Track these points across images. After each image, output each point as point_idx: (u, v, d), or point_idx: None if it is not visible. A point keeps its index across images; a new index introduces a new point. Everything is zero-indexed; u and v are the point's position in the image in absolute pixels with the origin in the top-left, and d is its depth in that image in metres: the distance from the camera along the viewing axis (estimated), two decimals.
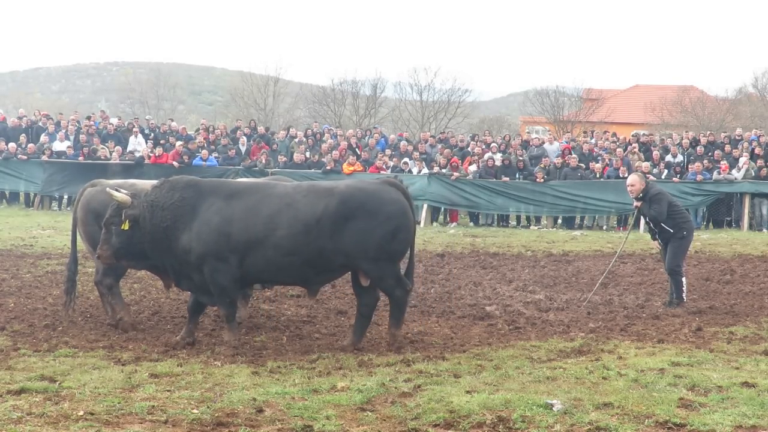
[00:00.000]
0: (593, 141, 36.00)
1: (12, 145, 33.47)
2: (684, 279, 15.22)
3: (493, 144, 35.25)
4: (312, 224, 11.14)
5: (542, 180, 30.84)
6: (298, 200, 11.30)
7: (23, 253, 20.01)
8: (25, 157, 33.01)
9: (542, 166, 31.53)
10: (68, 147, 33.78)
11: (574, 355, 11.18)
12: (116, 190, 11.75)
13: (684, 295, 15.03)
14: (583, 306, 14.72)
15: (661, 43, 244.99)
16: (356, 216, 11.21)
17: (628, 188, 15.33)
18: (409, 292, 11.90)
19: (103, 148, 33.32)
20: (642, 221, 20.57)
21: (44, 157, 33.00)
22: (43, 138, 34.51)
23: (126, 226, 11.56)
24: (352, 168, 31.69)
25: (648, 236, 18.74)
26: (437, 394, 9.02)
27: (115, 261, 12.06)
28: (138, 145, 34.80)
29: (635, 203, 15.32)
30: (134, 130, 36.01)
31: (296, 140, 35.56)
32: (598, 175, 31.18)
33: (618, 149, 32.77)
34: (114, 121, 38.26)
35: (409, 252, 11.96)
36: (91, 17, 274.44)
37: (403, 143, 34.94)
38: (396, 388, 9.29)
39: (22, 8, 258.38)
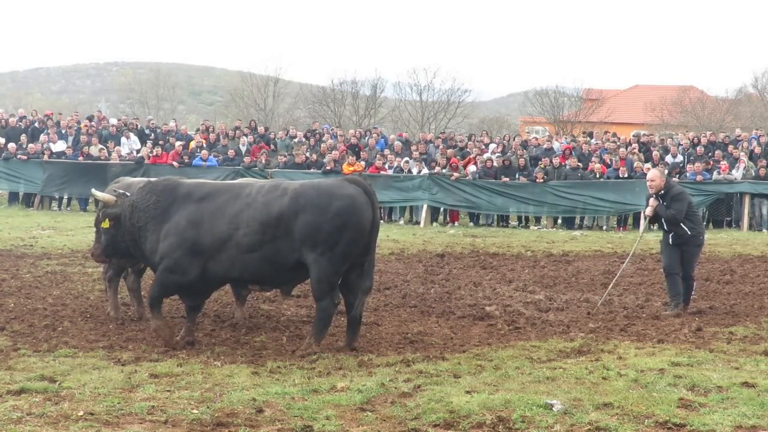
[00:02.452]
0: (593, 141, 36.03)
1: (12, 145, 33.48)
2: (694, 283, 15.04)
3: (491, 144, 35.29)
4: (268, 223, 11.15)
5: (542, 180, 30.84)
6: (258, 200, 11.32)
7: (23, 254, 20.00)
8: (25, 158, 33.02)
9: (542, 166, 31.53)
10: (67, 147, 33.77)
11: (573, 355, 11.18)
12: (102, 191, 12.12)
13: (690, 299, 14.77)
14: (594, 310, 14.54)
15: (661, 44, 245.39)
16: (306, 211, 11.10)
17: (648, 183, 14.81)
18: (337, 306, 11.53)
19: (102, 149, 33.34)
20: (642, 221, 20.55)
21: (44, 158, 33.01)
22: (43, 138, 34.52)
23: (106, 225, 12.05)
24: (351, 168, 31.69)
25: (647, 236, 18.69)
26: (437, 394, 9.01)
27: (106, 259, 12.74)
28: (134, 144, 34.81)
29: (651, 201, 14.66)
30: (125, 132, 35.97)
31: (296, 140, 35.56)
32: (597, 176, 31.18)
33: (621, 149, 32.78)
34: (114, 121, 38.23)
35: (368, 253, 11.59)
36: (90, 17, 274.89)
37: (397, 143, 34.89)
38: (396, 388, 9.29)
39: (22, 8, 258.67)
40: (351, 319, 11.65)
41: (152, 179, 12.43)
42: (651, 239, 22.07)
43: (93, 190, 12.97)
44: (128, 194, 12.05)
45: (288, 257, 11.26)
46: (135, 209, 11.76)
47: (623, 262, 16.75)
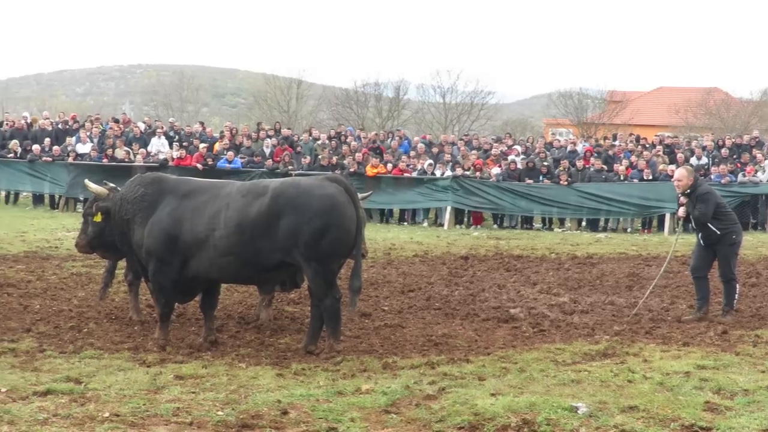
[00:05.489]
0: (617, 143, 35.94)
1: (36, 147, 33.64)
2: (738, 285, 14.64)
3: (515, 146, 35.24)
4: (245, 225, 11.08)
5: (566, 182, 30.75)
6: (237, 200, 11.25)
7: (48, 255, 20.08)
8: (50, 159, 33.15)
9: (562, 168, 31.41)
10: (92, 149, 33.88)
11: (599, 358, 11.13)
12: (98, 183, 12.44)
13: (735, 302, 14.41)
14: (631, 315, 14.33)
15: (685, 45, 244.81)
16: (286, 213, 10.98)
17: (675, 183, 14.57)
18: (340, 300, 11.34)
19: (126, 151, 33.47)
20: (668, 222, 20.56)
21: (69, 159, 33.14)
22: (68, 140, 34.66)
23: (98, 219, 12.52)
24: (375, 170, 31.70)
25: (671, 238, 18.54)
26: (462, 396, 8.99)
27: (90, 250, 13.19)
28: (161, 146, 34.90)
29: (680, 199, 14.39)
30: (158, 131, 36.17)
31: (319, 142, 35.58)
32: (622, 178, 31.06)
33: (645, 152, 32.67)
34: (140, 124, 38.38)
35: (355, 252, 11.44)
36: (114, 20, 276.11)
37: (420, 145, 34.89)
38: (420, 390, 9.27)
39: (47, 11, 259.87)
40: (313, 319, 11.67)
41: (143, 174, 12.51)
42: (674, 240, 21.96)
43: (86, 181, 13.17)
44: (119, 188, 12.23)
45: (269, 258, 11.19)
46: (124, 202, 11.89)
47: (644, 263, 16.62)
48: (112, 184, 12.62)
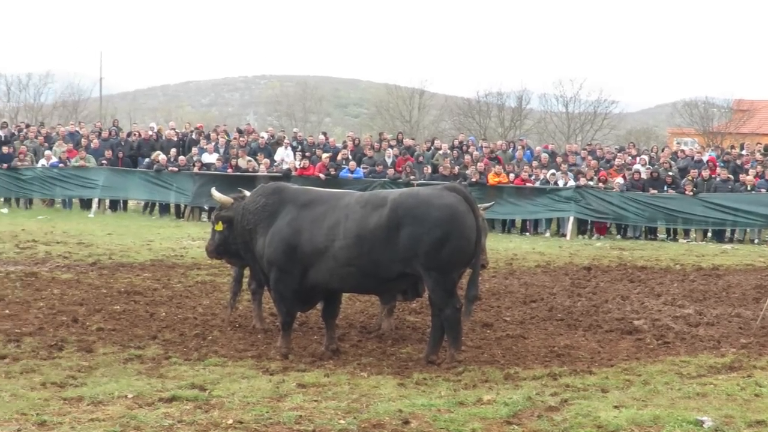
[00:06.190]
0: (744, 153, 35.29)
1: (162, 157, 34.24)
2: None
3: (639, 156, 34.83)
4: (365, 236, 11.08)
5: (691, 192, 30.27)
6: (356, 211, 11.26)
7: (174, 264, 20.40)
8: (176, 169, 33.73)
9: (690, 178, 30.93)
10: (217, 159, 34.37)
11: (725, 371, 10.93)
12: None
13: None
14: (756, 326, 14.05)
15: None
16: (406, 223, 10.95)
17: None
18: (460, 310, 11.22)
19: (250, 161, 33.88)
20: None
21: (194, 169, 33.70)
22: (194, 150, 35.24)
23: (219, 227, 12.71)
24: (497, 179, 31.62)
25: None
26: (584, 408, 8.91)
27: (217, 256, 13.28)
28: (286, 156, 35.23)
29: None
30: (285, 141, 36.57)
31: (440, 152, 35.58)
32: (749, 188, 30.48)
33: None
34: (264, 134, 38.83)
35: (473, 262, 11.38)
36: (239, 32, 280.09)
37: (543, 155, 34.70)
38: (542, 402, 9.21)
39: (174, 25, 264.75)
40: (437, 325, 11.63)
41: (265, 185, 12.63)
42: None
43: (213, 190, 13.36)
44: (244, 197, 12.38)
45: (388, 269, 11.20)
46: (246, 212, 12.05)
47: None
48: (246, 192, 12.75)
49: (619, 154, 35.00)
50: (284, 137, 38.39)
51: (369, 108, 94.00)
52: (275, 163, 34.43)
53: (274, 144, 36.48)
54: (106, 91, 76.72)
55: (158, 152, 34.75)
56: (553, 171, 32.36)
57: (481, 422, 8.49)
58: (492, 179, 31.56)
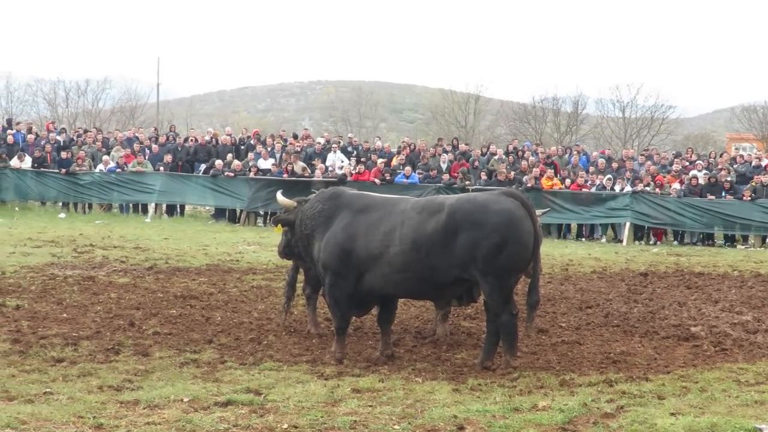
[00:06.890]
0: None
1: (219, 162, 34.47)
2: None
3: (698, 162, 34.58)
4: (421, 242, 11.03)
5: (749, 198, 29.98)
6: (412, 217, 11.22)
7: (230, 268, 20.49)
8: (232, 174, 33.94)
9: (753, 183, 30.64)
10: (273, 164, 34.53)
11: None
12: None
13: None
14: None
15: None
16: (463, 228, 10.90)
17: None
18: (516, 316, 11.17)
19: (304, 167, 34.02)
20: None
21: (250, 175, 33.87)
22: (250, 155, 35.42)
23: (278, 230, 13.05)
24: (551, 182, 31.56)
25: None
26: (641, 415, 8.82)
27: (287, 257, 13.49)
28: (337, 161, 35.33)
29: None
30: (333, 146, 36.68)
31: (496, 157, 35.51)
32: None
33: None
34: (319, 139, 38.98)
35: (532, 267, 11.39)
36: (295, 38, 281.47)
37: (601, 161, 34.56)
38: (598, 408, 9.14)
39: (231, 31, 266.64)
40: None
41: (324, 189, 12.70)
42: None
43: (278, 194, 13.41)
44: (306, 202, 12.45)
45: (445, 274, 11.14)
46: (304, 217, 12.12)
47: None
48: (302, 198, 12.84)
49: (676, 160, 34.76)
50: (340, 141, 38.54)
51: (424, 113, 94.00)
52: (330, 168, 34.54)
53: (329, 149, 36.61)
54: (163, 96, 77.18)
55: (219, 160, 34.98)
56: (609, 176, 32.23)
57: (537, 428, 8.44)
58: (545, 183, 31.49)
